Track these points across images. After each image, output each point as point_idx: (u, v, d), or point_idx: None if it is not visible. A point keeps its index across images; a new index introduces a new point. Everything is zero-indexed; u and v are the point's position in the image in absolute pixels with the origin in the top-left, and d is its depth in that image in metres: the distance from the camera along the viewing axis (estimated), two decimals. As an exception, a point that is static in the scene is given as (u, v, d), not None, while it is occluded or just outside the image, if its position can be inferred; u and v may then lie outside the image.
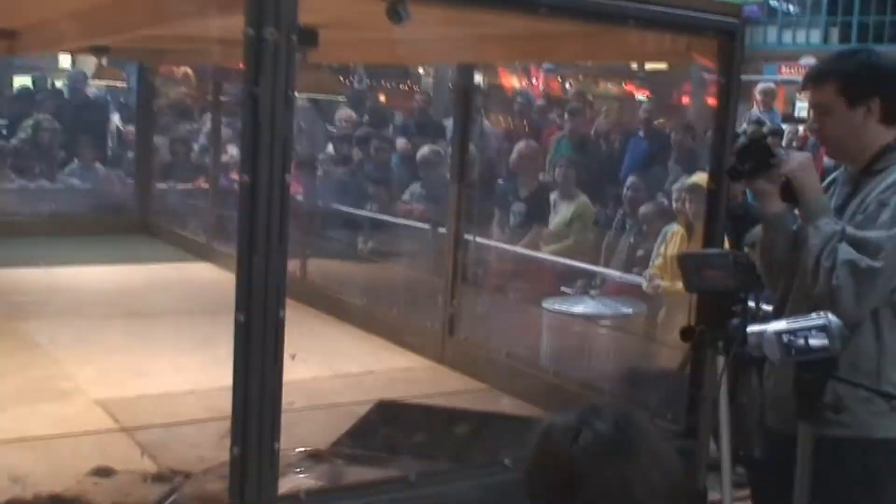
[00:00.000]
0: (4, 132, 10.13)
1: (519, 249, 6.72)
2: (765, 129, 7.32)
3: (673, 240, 5.68)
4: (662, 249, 5.75)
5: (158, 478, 3.45)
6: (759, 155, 2.90)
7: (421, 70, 15.69)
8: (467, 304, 5.43)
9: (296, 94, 2.61)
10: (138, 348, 5.50)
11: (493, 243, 6.68)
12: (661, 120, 9.01)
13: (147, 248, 9.39)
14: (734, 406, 3.01)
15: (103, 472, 3.44)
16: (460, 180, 5.36)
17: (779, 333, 2.37)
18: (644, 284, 5.74)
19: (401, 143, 9.06)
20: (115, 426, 4.13)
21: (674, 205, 6.14)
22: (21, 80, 13.85)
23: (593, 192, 7.01)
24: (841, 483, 2.82)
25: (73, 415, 4.23)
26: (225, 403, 2.71)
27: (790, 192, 2.88)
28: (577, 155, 7.71)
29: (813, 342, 2.36)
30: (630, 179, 6.80)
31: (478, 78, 5.91)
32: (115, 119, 11.04)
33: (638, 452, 1.33)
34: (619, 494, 1.30)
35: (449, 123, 9.04)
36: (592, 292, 5.82)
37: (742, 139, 3.16)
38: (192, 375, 4.76)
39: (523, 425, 3.57)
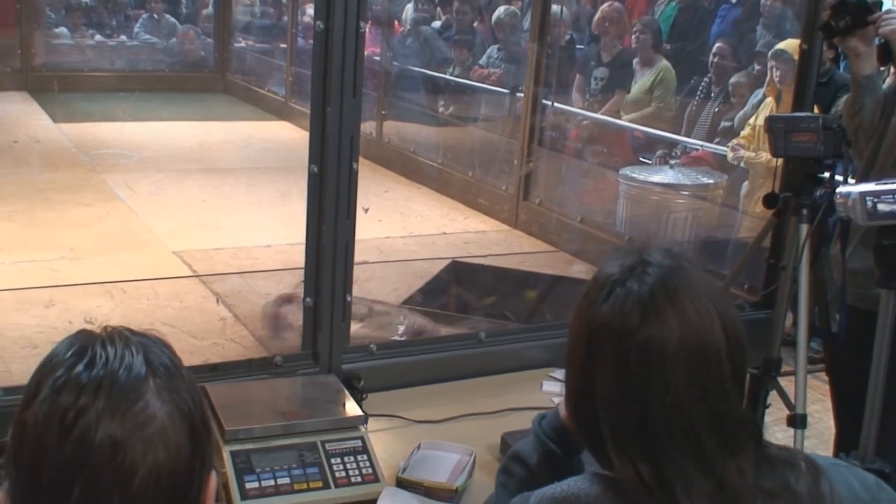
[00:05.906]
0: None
1: (596, 116, 6.55)
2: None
3: (763, 111, 5.47)
4: (753, 120, 5.55)
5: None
6: (856, 11, 2.69)
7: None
8: (543, 170, 5.36)
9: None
10: (216, 203, 5.59)
11: (572, 109, 6.52)
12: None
13: (225, 105, 9.46)
14: (814, 278, 2.91)
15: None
16: (539, 42, 5.20)
17: (863, 194, 2.27)
18: (728, 155, 5.57)
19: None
20: (192, 275, 4.23)
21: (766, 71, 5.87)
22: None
23: (689, 61, 6.72)
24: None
25: (151, 264, 4.33)
26: (300, 257, 2.72)
27: (888, 54, 2.71)
28: (682, 18, 7.33)
29: (894, 207, 2.25)
30: (717, 46, 6.50)
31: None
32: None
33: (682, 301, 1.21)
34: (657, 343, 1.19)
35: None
36: (672, 162, 5.66)
37: None
38: (267, 230, 4.82)
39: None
